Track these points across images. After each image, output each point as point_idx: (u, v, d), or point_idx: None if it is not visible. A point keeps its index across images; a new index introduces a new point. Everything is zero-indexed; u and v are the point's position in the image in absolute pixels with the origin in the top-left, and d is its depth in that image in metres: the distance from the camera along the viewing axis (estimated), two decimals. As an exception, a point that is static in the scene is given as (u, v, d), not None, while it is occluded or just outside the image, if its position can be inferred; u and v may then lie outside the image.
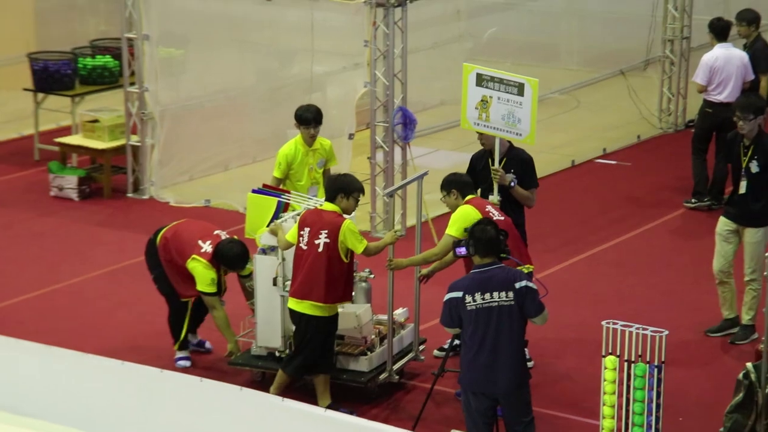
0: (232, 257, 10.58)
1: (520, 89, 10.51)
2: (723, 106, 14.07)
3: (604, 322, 8.95)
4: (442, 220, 14.08)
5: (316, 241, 9.79)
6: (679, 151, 16.68)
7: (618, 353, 8.86)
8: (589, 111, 18.46)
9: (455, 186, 10.16)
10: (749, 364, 9.83)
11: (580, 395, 10.20)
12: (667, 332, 8.80)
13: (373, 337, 10.48)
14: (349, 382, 10.27)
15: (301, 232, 9.91)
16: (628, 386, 8.83)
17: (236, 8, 15.67)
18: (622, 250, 13.38)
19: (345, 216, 9.92)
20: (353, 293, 10.28)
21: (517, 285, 8.70)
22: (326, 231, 9.79)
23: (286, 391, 9.78)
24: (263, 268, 10.42)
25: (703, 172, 14.65)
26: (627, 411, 8.86)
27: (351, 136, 14.43)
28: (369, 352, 10.38)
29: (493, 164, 10.89)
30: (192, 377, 8.73)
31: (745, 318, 11.40)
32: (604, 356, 8.91)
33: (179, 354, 10.92)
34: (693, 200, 14.61)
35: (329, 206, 9.96)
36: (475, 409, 8.83)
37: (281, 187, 11.50)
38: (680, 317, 11.36)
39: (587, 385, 9.95)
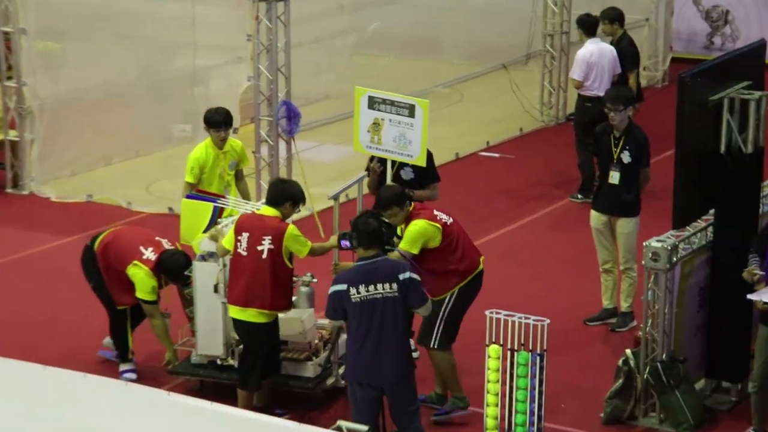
0: (177, 269, 10.30)
1: (410, 111, 10.50)
2: (601, 100, 14.32)
3: (487, 312, 9.06)
4: (327, 213, 14.16)
5: (259, 248, 9.46)
6: (561, 143, 16.94)
7: (501, 342, 8.97)
8: (473, 104, 18.64)
9: (396, 203, 9.61)
10: (628, 351, 10.04)
11: (464, 384, 10.29)
12: (548, 321, 8.93)
13: (317, 341, 10.24)
14: (296, 389, 10.04)
15: (239, 238, 9.56)
16: (512, 374, 8.95)
17: (117, 1, 15.51)
18: (506, 242, 13.53)
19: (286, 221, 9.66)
20: (295, 298, 10.08)
21: (401, 276, 8.76)
22: (269, 237, 9.45)
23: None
24: (203, 275, 10.07)
25: (593, 167, 14.88)
26: (510, 399, 8.98)
27: (235, 131, 14.34)
28: (314, 357, 10.14)
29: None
30: (77, 373, 8.66)
31: (624, 306, 11.63)
32: (488, 345, 9.01)
33: (124, 366, 10.58)
34: (579, 195, 14.78)
35: (269, 211, 9.60)
36: (361, 399, 8.87)
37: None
38: (562, 307, 11.54)
39: (472, 374, 10.05)
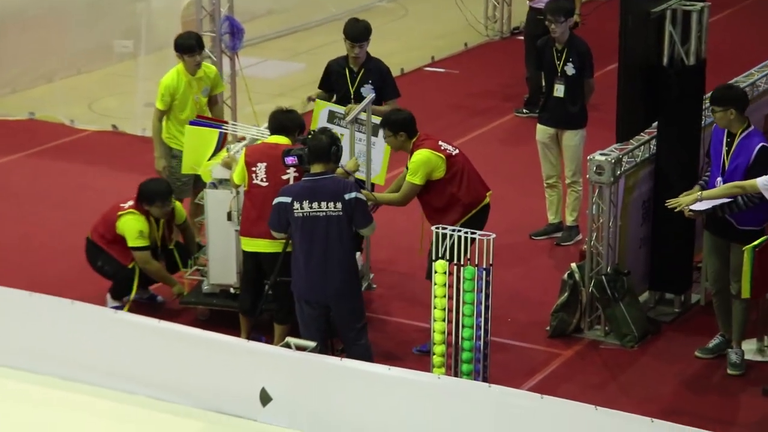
0: (153, 190, 10.13)
1: (374, 130, 10.35)
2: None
3: (433, 227, 9.08)
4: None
5: (284, 177, 9.20)
6: (506, 58, 16.92)
7: (447, 257, 9.00)
8: (417, 19, 18.54)
9: (402, 128, 9.66)
10: (573, 265, 10.13)
11: (411, 300, 10.35)
12: (494, 236, 8.97)
13: None
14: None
15: (254, 169, 9.33)
16: (458, 289, 9.00)
17: None
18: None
19: None
20: None
21: (347, 196, 8.74)
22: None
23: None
24: (214, 203, 9.82)
25: (541, 81, 14.86)
26: (457, 313, 9.03)
27: (178, 47, 14.20)
28: None
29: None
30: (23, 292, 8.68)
31: (569, 219, 11.71)
32: (434, 260, 9.04)
33: (113, 303, 10.40)
34: (525, 110, 14.79)
35: (282, 140, 9.40)
36: (308, 316, 8.91)
37: (165, 119, 11.03)
38: (508, 221, 11.59)
39: (419, 290, 10.10)
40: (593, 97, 11.91)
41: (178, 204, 10.53)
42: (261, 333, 9.68)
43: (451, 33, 17.78)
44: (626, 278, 9.94)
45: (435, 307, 9.07)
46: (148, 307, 10.45)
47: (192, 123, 10.51)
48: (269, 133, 9.70)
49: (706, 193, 9.25)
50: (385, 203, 9.87)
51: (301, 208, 8.74)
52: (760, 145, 9.25)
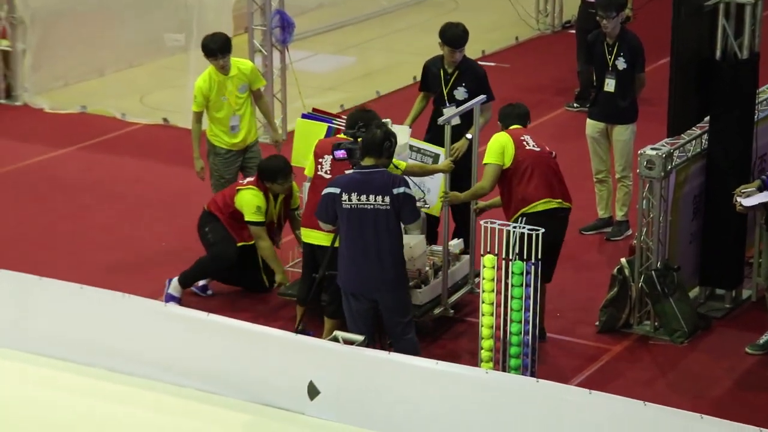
0: (274, 167, 10.20)
1: (435, 159, 10.23)
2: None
3: (482, 222, 9.05)
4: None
5: (348, 171, 8.99)
6: (557, 52, 16.84)
7: (496, 252, 8.98)
8: (468, 12, 18.46)
9: (500, 117, 9.79)
10: (623, 260, 10.07)
11: (461, 295, 10.32)
12: (543, 230, 8.93)
13: (427, 269, 9.87)
14: None
15: (320, 161, 9.48)
16: (506, 284, 8.97)
17: None
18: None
19: None
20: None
21: (395, 191, 8.73)
22: None
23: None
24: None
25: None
26: (505, 308, 9.01)
27: (228, 40, 14.26)
28: (423, 285, 9.80)
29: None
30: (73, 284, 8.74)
31: (619, 214, 11.64)
32: (483, 255, 9.02)
33: (174, 292, 10.36)
34: (575, 104, 14.72)
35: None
36: (355, 310, 8.91)
37: (207, 119, 11.03)
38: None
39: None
40: (644, 91, 11.83)
41: (296, 187, 10.52)
42: (310, 327, 9.69)
43: (502, 26, 17.72)
44: (676, 273, 9.87)
45: (483, 302, 9.05)
46: (197, 298, 10.49)
47: (304, 116, 10.48)
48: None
49: None
50: (471, 198, 9.79)
51: (350, 200, 8.75)
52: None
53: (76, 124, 14.62)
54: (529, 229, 8.88)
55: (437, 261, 10.04)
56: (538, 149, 9.58)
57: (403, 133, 10.10)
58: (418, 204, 9.66)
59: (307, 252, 9.66)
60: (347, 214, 8.76)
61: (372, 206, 8.73)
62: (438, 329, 9.95)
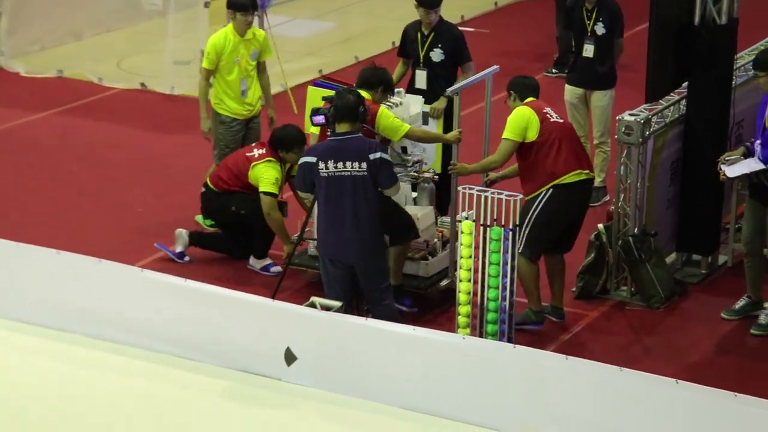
0: (292, 137, 10.09)
1: (424, 118, 10.21)
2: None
3: (459, 188, 9.04)
4: (302, 89, 14.06)
5: None
6: (535, 17, 16.80)
7: (474, 218, 8.98)
8: (447, -23, 18.40)
9: (512, 88, 9.54)
10: (600, 226, 10.08)
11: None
12: (521, 196, 8.93)
13: (435, 241, 9.79)
14: (409, 288, 9.64)
15: None
16: (484, 250, 8.97)
17: None
18: (480, 117, 13.45)
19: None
20: (415, 195, 9.82)
21: (372, 156, 8.71)
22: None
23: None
24: None
25: (571, 41, 14.73)
26: (483, 274, 9.01)
27: (206, 5, 14.19)
28: (430, 257, 9.74)
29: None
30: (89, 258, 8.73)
31: (597, 180, 11.59)
32: (460, 221, 9.02)
33: (266, 262, 10.39)
34: (554, 70, 14.69)
35: (364, 94, 9.21)
36: (333, 276, 8.91)
37: (211, 79, 10.88)
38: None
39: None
40: (622, 57, 11.81)
41: None
42: (405, 297, 9.57)
43: (481, -9, 17.67)
44: (653, 239, 9.89)
45: (461, 268, 9.05)
46: (174, 265, 10.48)
47: (315, 84, 10.33)
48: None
49: None
50: (481, 170, 9.57)
51: (326, 167, 8.72)
52: (794, 112, 9.17)
53: (52, 88, 14.53)
54: (507, 195, 8.87)
55: (446, 233, 9.97)
56: (561, 120, 9.43)
57: (416, 103, 10.05)
58: (413, 168, 9.62)
59: None
60: (325, 181, 8.74)
61: (349, 173, 8.71)
62: (445, 301, 9.85)
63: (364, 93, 9.25)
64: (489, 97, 10.05)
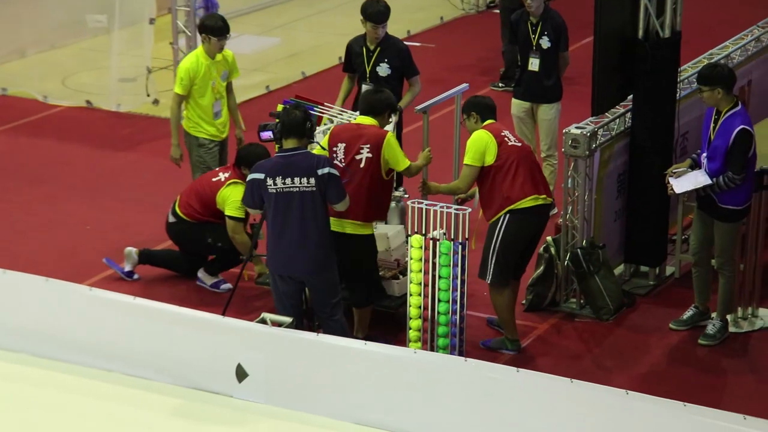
0: (254, 155, 9.85)
1: None
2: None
3: (409, 202, 9.07)
4: (249, 105, 14.03)
5: (357, 157, 9.00)
6: (481, 32, 16.89)
7: (423, 232, 9.00)
8: (392, -7, 18.46)
9: (474, 109, 9.38)
10: (549, 238, 10.13)
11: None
12: (470, 210, 8.97)
13: (407, 260, 9.49)
14: (380, 307, 9.53)
15: (334, 149, 9.11)
16: (434, 264, 8.99)
17: None
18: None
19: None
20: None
21: (320, 171, 8.71)
22: (368, 145, 9.00)
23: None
24: None
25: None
26: (433, 287, 9.03)
27: (152, 21, 14.14)
28: (401, 276, 9.61)
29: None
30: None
31: (545, 193, 11.69)
32: (410, 235, 9.04)
33: (218, 278, 10.35)
34: (501, 84, 14.77)
35: (367, 120, 9.17)
36: (283, 291, 8.89)
37: (183, 105, 10.77)
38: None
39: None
40: (568, 70, 11.90)
41: None
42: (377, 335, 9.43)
43: (428, 6, 17.74)
44: (601, 251, 9.96)
45: (411, 282, 9.07)
46: (123, 283, 10.42)
47: (285, 102, 10.21)
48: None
49: None
50: (447, 193, 9.51)
51: (275, 184, 8.72)
52: (740, 127, 9.25)
53: (-4, 106, 14.43)
54: (456, 209, 8.90)
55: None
56: (519, 144, 9.32)
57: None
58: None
59: (347, 243, 9.14)
60: (273, 198, 8.73)
61: (297, 189, 8.71)
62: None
63: (369, 120, 9.18)
64: (458, 114, 9.95)
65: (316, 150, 9.19)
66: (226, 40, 10.82)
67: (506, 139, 9.27)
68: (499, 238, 9.20)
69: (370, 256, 9.27)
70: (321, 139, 9.40)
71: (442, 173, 10.30)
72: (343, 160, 9.12)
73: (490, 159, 9.20)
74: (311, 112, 9.87)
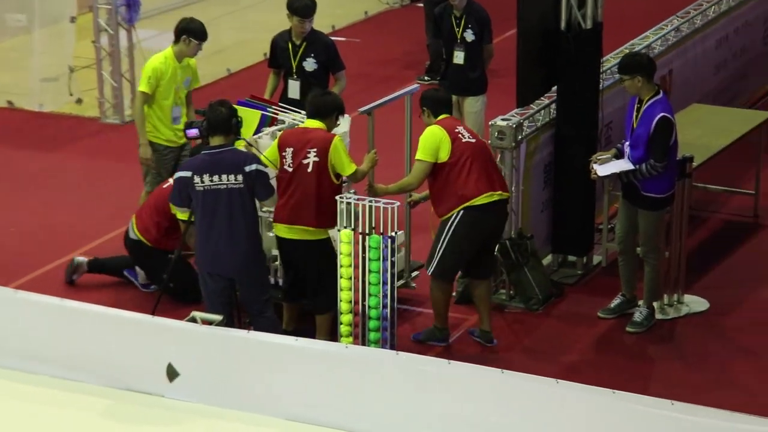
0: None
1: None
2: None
3: (337, 197, 9.06)
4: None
5: (304, 161, 8.88)
6: (406, 25, 16.92)
7: (352, 226, 9.00)
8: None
9: (425, 103, 9.33)
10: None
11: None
12: (398, 204, 8.99)
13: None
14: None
15: (283, 154, 8.96)
16: (364, 258, 9.00)
17: None
18: (354, 126, 13.51)
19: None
20: None
21: (247, 168, 8.70)
22: (315, 149, 8.89)
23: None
24: None
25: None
26: (363, 282, 9.04)
27: (73, 20, 14.02)
28: None
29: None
30: None
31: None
32: (339, 230, 9.04)
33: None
34: (426, 77, 14.81)
35: (314, 123, 9.04)
36: (212, 290, 8.86)
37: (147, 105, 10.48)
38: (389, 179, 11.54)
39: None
40: (493, 62, 11.97)
41: None
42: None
43: (351, 1, 17.73)
44: (530, 242, 10.03)
45: (341, 277, 9.07)
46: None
47: (240, 103, 10.02)
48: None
49: None
50: (397, 192, 9.34)
51: (202, 182, 8.68)
52: (661, 115, 9.36)
53: None
54: (384, 203, 8.92)
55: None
56: (473, 140, 9.20)
57: (344, 122, 9.84)
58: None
59: (298, 250, 9.10)
60: (201, 196, 8.69)
61: (225, 186, 8.68)
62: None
63: (317, 123, 9.08)
64: (409, 115, 9.91)
65: (266, 157, 9.03)
66: (202, 45, 10.60)
67: (460, 135, 9.19)
68: (449, 234, 9.15)
69: (325, 261, 9.08)
70: (268, 139, 9.27)
71: (394, 172, 10.13)
72: (291, 165, 8.99)
73: (443, 156, 9.12)
74: (264, 112, 9.86)
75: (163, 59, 10.54)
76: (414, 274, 10.10)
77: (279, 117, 10.01)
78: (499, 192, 9.21)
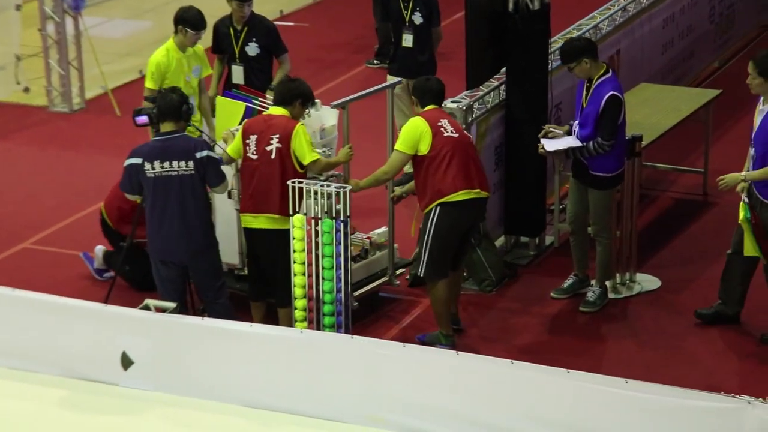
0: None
1: None
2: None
3: (289, 182, 9.01)
4: (123, 90, 13.89)
5: (267, 148, 8.79)
6: (355, 9, 16.89)
7: (304, 211, 8.99)
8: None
9: (414, 93, 9.23)
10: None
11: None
12: (350, 187, 8.98)
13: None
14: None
15: (247, 142, 8.89)
16: (317, 243, 8.99)
17: None
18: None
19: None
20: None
21: (198, 155, 8.67)
22: (277, 135, 8.81)
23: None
24: None
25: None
26: (317, 266, 9.03)
27: (18, 8, 13.89)
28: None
29: None
30: None
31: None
32: (292, 215, 9.02)
33: (103, 266, 10.10)
34: (376, 61, 14.82)
35: (278, 110, 8.95)
36: (165, 277, 8.84)
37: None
38: (365, 173, 11.58)
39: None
40: (442, 45, 11.98)
41: None
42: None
43: (299, -15, 17.69)
44: (482, 223, 10.06)
45: (294, 262, 9.06)
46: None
47: (225, 94, 9.94)
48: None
49: (749, 175, 8.94)
50: (373, 184, 9.27)
51: (153, 168, 8.65)
52: (610, 93, 9.40)
53: None
54: (336, 187, 8.91)
55: (353, 250, 9.53)
56: (456, 135, 9.00)
57: (331, 115, 9.77)
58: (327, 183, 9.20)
59: (264, 239, 9.05)
60: (152, 182, 8.66)
61: (176, 172, 8.65)
62: (369, 311, 9.73)
63: (280, 110, 8.99)
64: (391, 108, 9.88)
65: (232, 146, 8.99)
66: (202, 34, 10.43)
67: (442, 129, 9.03)
68: (432, 231, 9.04)
69: (289, 252, 8.98)
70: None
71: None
72: (255, 152, 8.93)
73: (423, 149, 9.00)
74: (249, 104, 9.78)
75: (164, 52, 10.36)
76: (399, 271, 9.98)
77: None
78: (477, 190, 9.06)
